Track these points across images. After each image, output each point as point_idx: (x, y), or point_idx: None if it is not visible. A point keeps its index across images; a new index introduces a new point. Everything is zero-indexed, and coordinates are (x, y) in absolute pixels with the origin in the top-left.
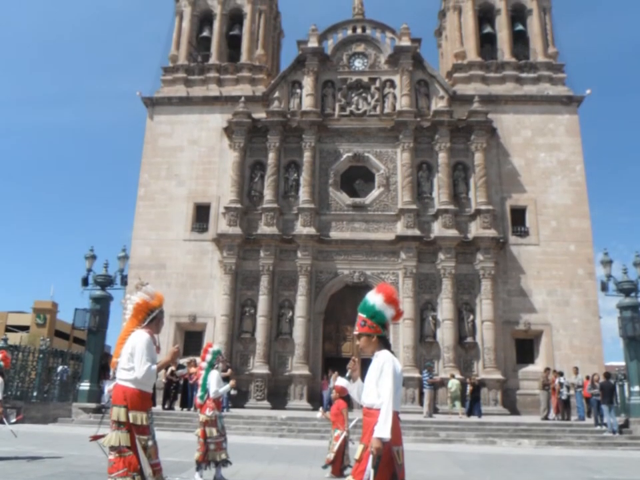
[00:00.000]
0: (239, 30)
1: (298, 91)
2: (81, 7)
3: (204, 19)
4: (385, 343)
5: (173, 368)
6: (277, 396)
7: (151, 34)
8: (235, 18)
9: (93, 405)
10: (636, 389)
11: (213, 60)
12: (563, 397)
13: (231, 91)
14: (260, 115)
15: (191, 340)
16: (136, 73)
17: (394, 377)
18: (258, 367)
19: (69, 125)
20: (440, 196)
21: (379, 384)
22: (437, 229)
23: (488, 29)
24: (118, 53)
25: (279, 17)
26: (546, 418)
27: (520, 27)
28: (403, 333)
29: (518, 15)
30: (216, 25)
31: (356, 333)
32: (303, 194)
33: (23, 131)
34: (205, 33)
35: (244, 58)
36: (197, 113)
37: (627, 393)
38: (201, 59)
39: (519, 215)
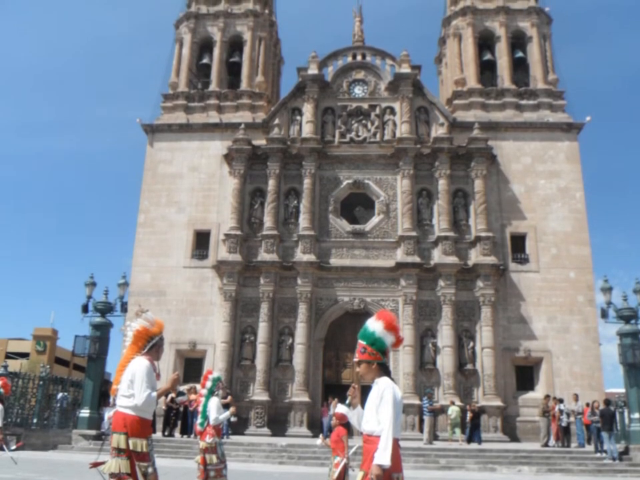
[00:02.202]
0: (239, 57)
1: (298, 117)
2: (81, 33)
3: (204, 46)
4: (385, 370)
5: (172, 395)
6: (277, 423)
7: (151, 61)
8: (234, 45)
9: (93, 432)
10: (636, 415)
11: (213, 87)
12: (563, 424)
13: (231, 118)
14: (260, 141)
15: (191, 367)
16: (136, 100)
17: (394, 404)
18: (258, 393)
19: (68, 152)
20: (440, 223)
21: (379, 411)
22: (437, 256)
23: (488, 56)
24: (118, 80)
25: (279, 44)
26: (546, 445)
27: (520, 54)
28: (403, 360)
29: (518, 41)
30: (216, 52)
31: (356, 359)
32: (303, 221)
33: (22, 157)
34: (205, 60)
35: (244, 85)
36: (197, 139)
37: (626, 420)
38: (201, 86)
39: (518, 241)
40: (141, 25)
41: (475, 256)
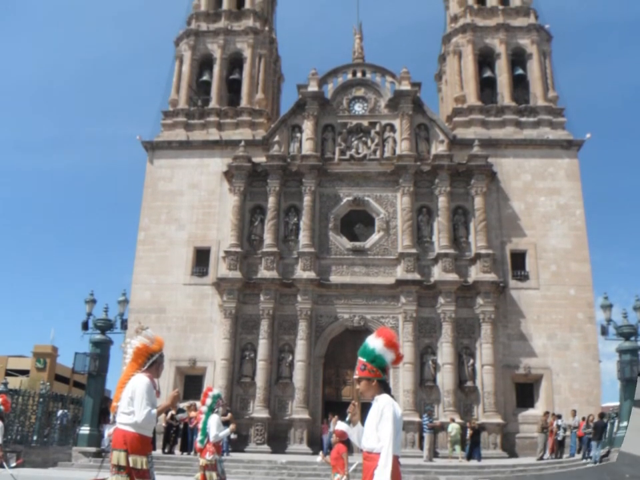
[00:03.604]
0: (239, 74)
1: (298, 135)
2: (80, 50)
3: (204, 63)
4: (385, 387)
5: (173, 412)
6: (277, 440)
7: (150, 78)
8: (235, 62)
9: (93, 449)
10: (624, 424)
11: (213, 104)
12: (559, 438)
13: (231, 135)
14: (260, 159)
15: (191, 384)
16: (136, 117)
17: (394, 421)
18: (258, 410)
19: (68, 169)
20: (440, 240)
21: (378, 428)
22: (437, 273)
23: (488, 73)
24: (118, 97)
25: (279, 61)
26: (541, 458)
27: (520, 71)
28: (402, 377)
29: (518, 59)
30: (216, 69)
31: (356, 376)
32: (303, 238)
33: (22, 175)
34: (205, 77)
35: (244, 102)
36: (197, 157)
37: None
38: (201, 103)
39: (518, 258)
40: (140, 42)
41: (475, 273)
